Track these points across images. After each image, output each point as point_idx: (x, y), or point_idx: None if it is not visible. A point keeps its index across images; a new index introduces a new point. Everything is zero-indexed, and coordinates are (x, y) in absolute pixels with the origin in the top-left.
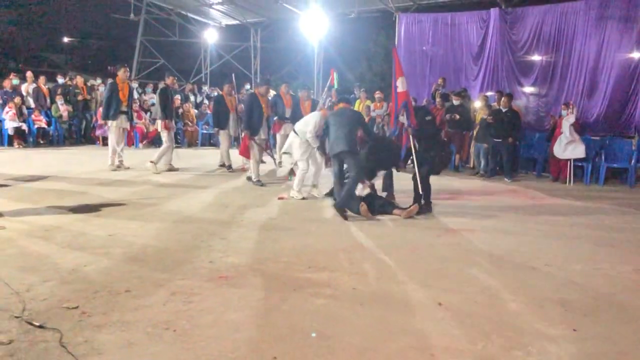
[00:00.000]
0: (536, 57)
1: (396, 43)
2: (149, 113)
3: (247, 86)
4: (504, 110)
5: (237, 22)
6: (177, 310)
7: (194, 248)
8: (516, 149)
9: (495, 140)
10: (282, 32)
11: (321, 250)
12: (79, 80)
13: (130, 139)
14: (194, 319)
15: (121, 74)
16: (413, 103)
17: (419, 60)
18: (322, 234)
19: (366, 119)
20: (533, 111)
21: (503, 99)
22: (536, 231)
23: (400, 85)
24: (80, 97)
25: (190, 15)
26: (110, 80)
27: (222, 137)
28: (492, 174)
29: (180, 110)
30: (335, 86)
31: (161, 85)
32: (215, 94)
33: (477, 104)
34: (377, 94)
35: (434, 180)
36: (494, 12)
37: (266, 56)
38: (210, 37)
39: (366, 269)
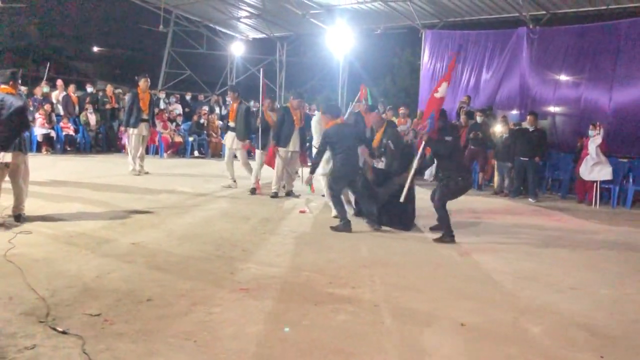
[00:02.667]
0: (563, 77)
1: (421, 59)
2: (174, 123)
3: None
4: (530, 129)
5: (264, 35)
6: (198, 320)
7: (216, 259)
8: (541, 169)
9: (521, 159)
10: (308, 47)
11: (343, 265)
12: (109, 89)
13: (149, 147)
14: (215, 331)
15: (142, 83)
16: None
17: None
18: (344, 249)
19: None
20: (559, 131)
21: (529, 117)
22: (561, 253)
23: (442, 90)
24: (108, 106)
25: (218, 28)
26: (132, 90)
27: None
28: (516, 194)
29: (203, 121)
30: (370, 102)
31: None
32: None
33: (497, 124)
34: (402, 110)
35: (456, 199)
36: (520, 31)
37: (291, 70)
38: (236, 49)
39: (388, 287)
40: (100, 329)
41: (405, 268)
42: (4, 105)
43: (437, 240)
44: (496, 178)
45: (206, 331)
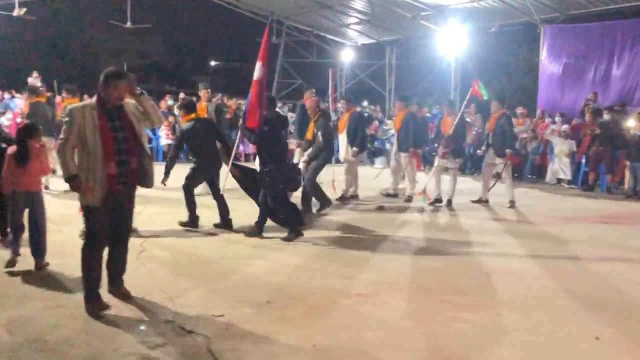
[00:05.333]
0: None
1: (541, 56)
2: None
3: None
4: None
5: (373, 40)
6: (316, 324)
7: (329, 263)
8: None
9: None
10: (418, 49)
11: (459, 272)
12: (232, 102)
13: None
14: (332, 335)
15: (309, 94)
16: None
17: (568, 74)
18: (460, 255)
19: None
20: None
21: None
22: None
23: (257, 72)
24: (228, 116)
25: (327, 36)
26: (299, 103)
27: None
28: None
29: None
30: (486, 97)
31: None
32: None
33: (631, 121)
34: (520, 110)
35: (577, 202)
36: None
37: (401, 73)
38: (346, 56)
39: (511, 295)
40: (224, 330)
41: (529, 276)
42: None
43: (284, 239)
44: (628, 180)
45: (324, 335)
